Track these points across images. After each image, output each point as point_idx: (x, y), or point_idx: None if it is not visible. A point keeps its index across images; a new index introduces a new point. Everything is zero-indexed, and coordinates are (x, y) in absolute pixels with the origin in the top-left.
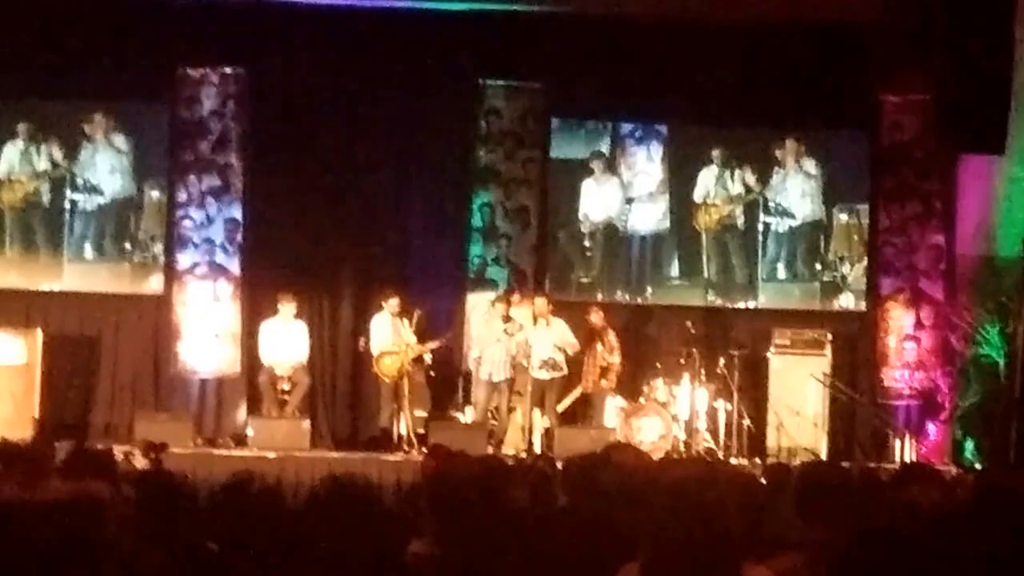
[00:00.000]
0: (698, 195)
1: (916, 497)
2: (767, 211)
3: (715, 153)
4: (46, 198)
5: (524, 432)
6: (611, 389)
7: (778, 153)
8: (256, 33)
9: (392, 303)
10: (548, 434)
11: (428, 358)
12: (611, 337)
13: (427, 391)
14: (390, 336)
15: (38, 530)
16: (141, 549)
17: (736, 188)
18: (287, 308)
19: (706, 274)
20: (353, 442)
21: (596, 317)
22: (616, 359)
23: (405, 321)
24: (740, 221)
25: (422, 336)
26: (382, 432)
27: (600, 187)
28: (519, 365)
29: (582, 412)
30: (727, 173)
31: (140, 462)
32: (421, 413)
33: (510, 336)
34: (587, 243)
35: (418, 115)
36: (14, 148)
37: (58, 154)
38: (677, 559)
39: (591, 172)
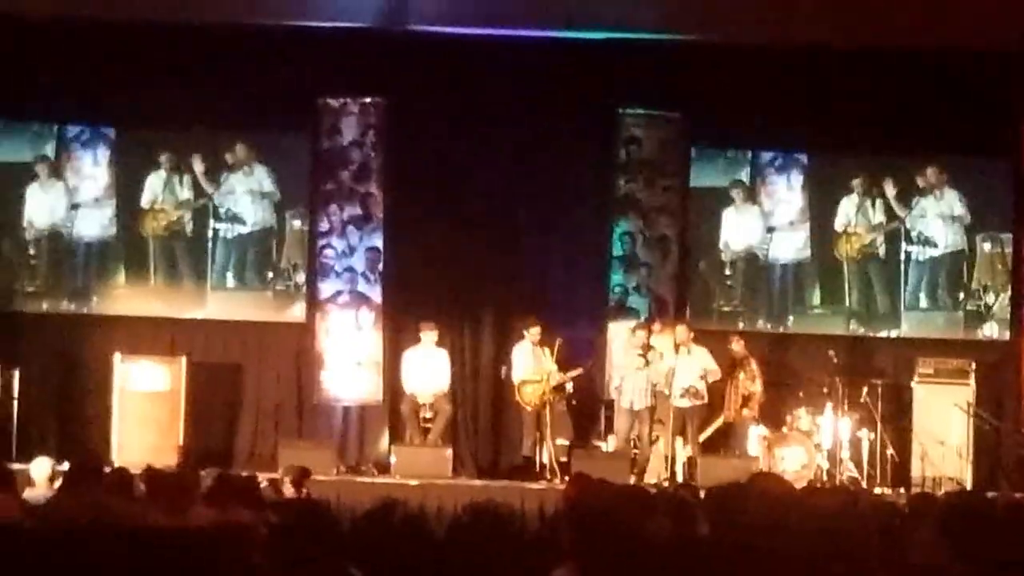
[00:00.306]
0: (839, 224)
1: None
2: (909, 240)
3: (856, 181)
4: (189, 227)
5: (666, 461)
6: (753, 418)
7: (920, 181)
8: (396, 63)
9: (533, 332)
10: (690, 463)
11: (569, 387)
12: (753, 366)
13: (569, 419)
14: (531, 364)
15: (184, 556)
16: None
17: (877, 216)
18: (429, 337)
19: (848, 303)
20: (495, 470)
21: (737, 346)
22: (758, 388)
23: (546, 350)
24: (882, 250)
25: (563, 365)
26: (524, 460)
27: (740, 216)
28: (660, 394)
29: (724, 441)
30: (868, 201)
31: (288, 489)
32: (563, 441)
33: (649, 364)
34: (728, 272)
35: (558, 144)
36: (157, 178)
37: (201, 184)
38: None
39: (731, 201)
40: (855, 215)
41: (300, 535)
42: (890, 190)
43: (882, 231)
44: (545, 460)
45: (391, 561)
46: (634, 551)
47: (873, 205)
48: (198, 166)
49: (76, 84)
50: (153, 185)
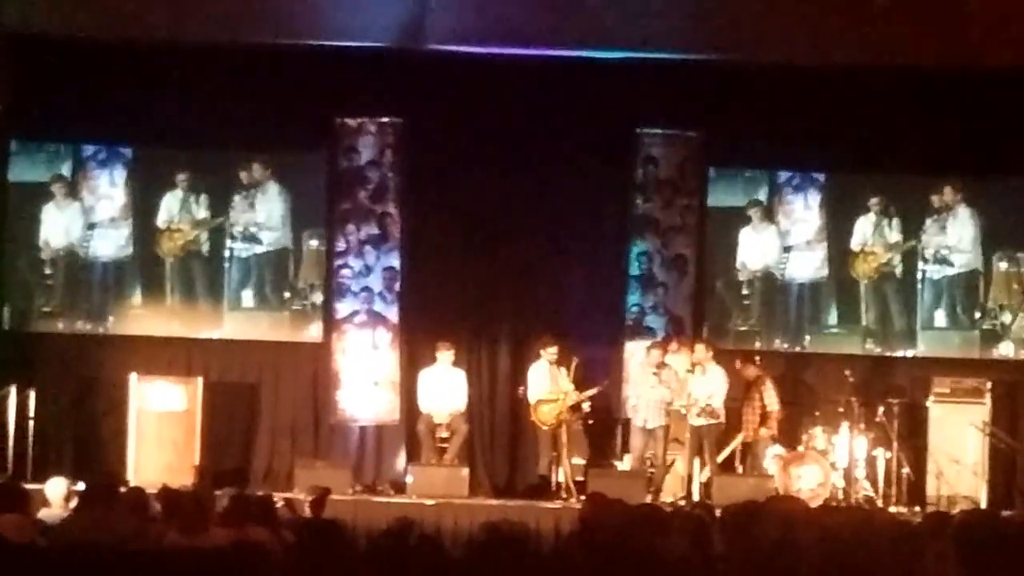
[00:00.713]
0: (855, 243)
1: None
2: (925, 259)
3: (873, 201)
4: (205, 247)
5: (683, 480)
6: (772, 436)
7: (936, 201)
8: (413, 83)
9: (550, 351)
10: (707, 482)
11: (586, 406)
12: (769, 385)
13: (585, 439)
14: (548, 384)
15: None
16: None
17: (894, 236)
18: (445, 356)
19: (864, 322)
20: (511, 490)
21: (750, 367)
22: (775, 406)
23: (563, 369)
24: (898, 269)
25: (580, 384)
26: (541, 480)
27: (758, 235)
28: (676, 413)
29: (742, 460)
30: (885, 221)
31: (306, 509)
32: (579, 461)
33: (663, 383)
34: (745, 291)
35: (575, 163)
36: (174, 198)
37: (217, 203)
38: None
39: (749, 220)
40: (872, 234)
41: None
42: (907, 209)
43: (899, 250)
44: (561, 479)
45: None
46: (647, 569)
47: (890, 224)
48: (214, 186)
49: (93, 103)
50: (169, 204)
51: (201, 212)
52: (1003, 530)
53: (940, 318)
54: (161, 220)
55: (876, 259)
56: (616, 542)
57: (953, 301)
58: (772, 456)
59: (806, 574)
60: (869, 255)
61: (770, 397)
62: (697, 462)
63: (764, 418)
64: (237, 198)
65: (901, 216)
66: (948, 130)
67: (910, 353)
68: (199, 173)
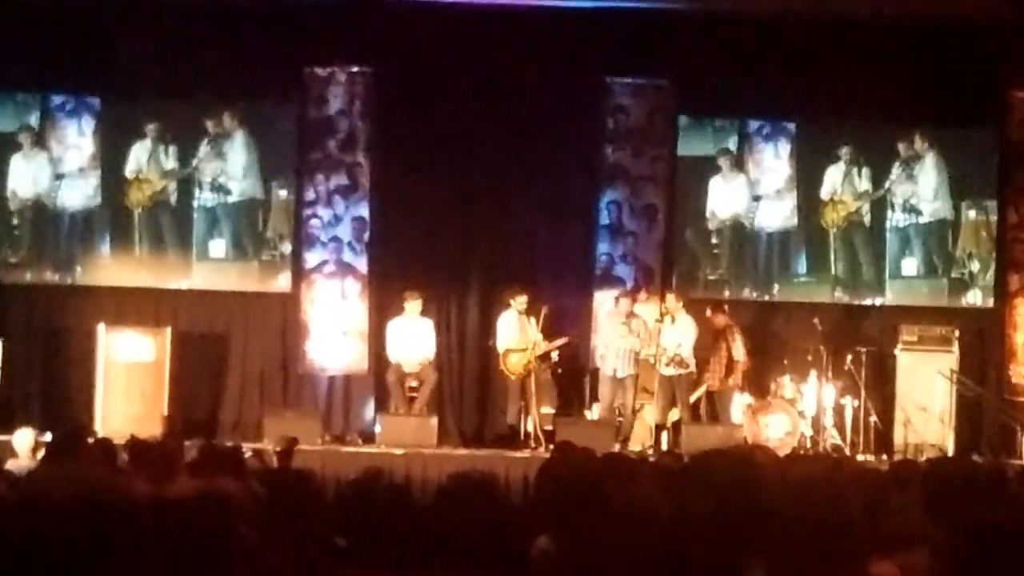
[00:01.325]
0: (825, 192)
1: None
2: (894, 208)
3: (843, 150)
4: (174, 197)
5: (651, 429)
6: (737, 386)
7: (905, 149)
8: (383, 32)
9: (520, 300)
10: (676, 430)
11: (555, 355)
12: (737, 335)
13: (554, 388)
14: (517, 334)
15: (168, 527)
16: (270, 545)
17: (863, 185)
18: (413, 306)
19: (833, 271)
20: (480, 439)
21: (719, 316)
22: (742, 357)
23: (532, 319)
24: (867, 218)
25: (549, 333)
26: (509, 429)
27: (727, 184)
28: (645, 362)
29: (710, 410)
30: (855, 170)
31: (275, 459)
32: (548, 410)
33: (633, 332)
34: (714, 240)
35: (545, 112)
36: (143, 148)
37: (186, 154)
38: (802, 555)
39: (719, 169)
40: (841, 183)
41: (285, 505)
42: (876, 158)
43: (868, 199)
44: (530, 429)
45: (376, 530)
46: (608, 518)
47: (859, 174)
48: (183, 136)
49: (61, 53)
50: (138, 155)
51: (170, 163)
52: (970, 477)
53: (909, 267)
54: (130, 170)
55: (845, 208)
56: (580, 490)
57: (922, 250)
58: (741, 405)
59: (774, 522)
60: (839, 204)
61: (737, 348)
62: (673, 411)
63: (730, 368)
64: (206, 148)
65: (871, 165)
66: (918, 80)
67: (879, 302)
68: (168, 123)
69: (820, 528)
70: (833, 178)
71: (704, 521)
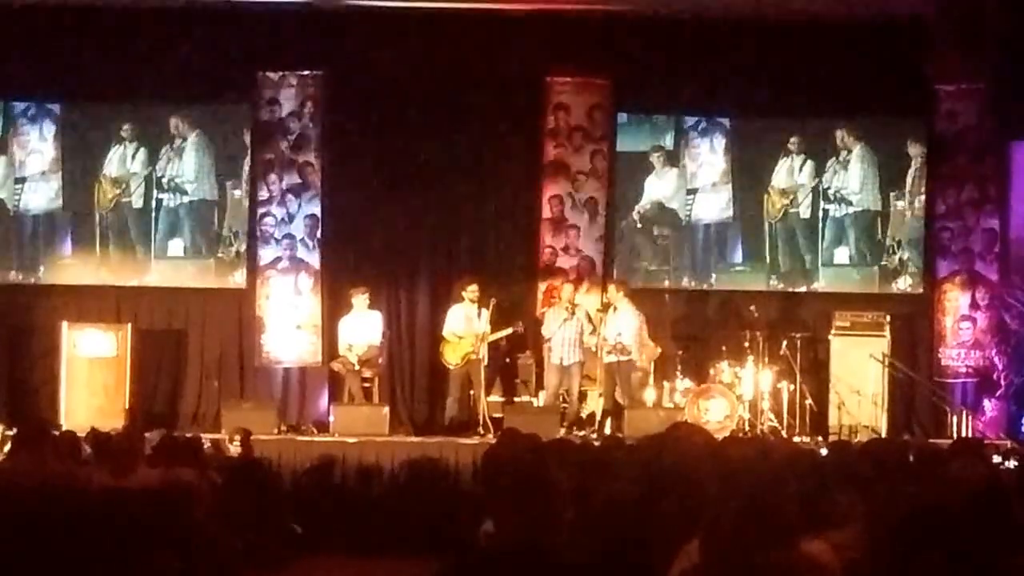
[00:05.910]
0: (761, 184)
1: (964, 471)
2: (827, 198)
3: (792, 140)
4: (135, 198)
5: (595, 414)
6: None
7: (837, 143)
8: (333, 36)
9: (471, 290)
10: (618, 415)
11: (503, 344)
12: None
13: (502, 377)
14: (462, 325)
15: (130, 516)
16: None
17: (798, 177)
18: (360, 300)
19: (768, 260)
20: (431, 427)
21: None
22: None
23: (483, 310)
24: (802, 208)
25: (496, 323)
26: (448, 421)
27: (661, 180)
28: (589, 350)
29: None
30: (789, 162)
31: (234, 448)
32: (496, 398)
33: (576, 322)
34: (654, 232)
35: (490, 111)
36: (115, 150)
37: (145, 155)
38: (736, 535)
39: (653, 166)
40: (776, 175)
41: (243, 493)
42: (809, 151)
43: (802, 190)
44: (479, 416)
45: (331, 516)
46: (545, 502)
47: (794, 166)
48: (143, 138)
49: (21, 60)
50: (111, 157)
51: (131, 164)
52: (901, 457)
53: (841, 255)
54: (105, 172)
55: (781, 199)
56: (522, 475)
57: (854, 238)
58: (681, 389)
59: (710, 503)
60: (774, 195)
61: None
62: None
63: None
64: (164, 150)
65: (804, 157)
66: (847, 76)
67: (813, 289)
68: (135, 127)
69: (753, 508)
70: (769, 170)
71: (640, 504)
